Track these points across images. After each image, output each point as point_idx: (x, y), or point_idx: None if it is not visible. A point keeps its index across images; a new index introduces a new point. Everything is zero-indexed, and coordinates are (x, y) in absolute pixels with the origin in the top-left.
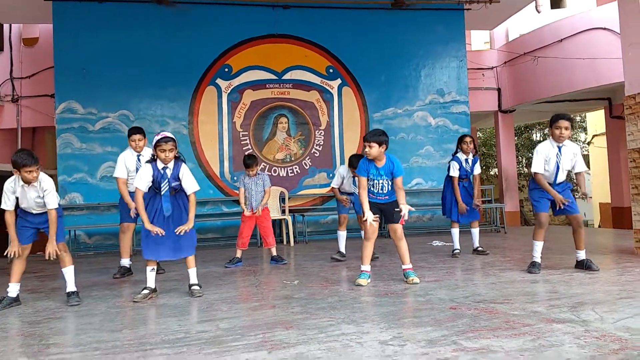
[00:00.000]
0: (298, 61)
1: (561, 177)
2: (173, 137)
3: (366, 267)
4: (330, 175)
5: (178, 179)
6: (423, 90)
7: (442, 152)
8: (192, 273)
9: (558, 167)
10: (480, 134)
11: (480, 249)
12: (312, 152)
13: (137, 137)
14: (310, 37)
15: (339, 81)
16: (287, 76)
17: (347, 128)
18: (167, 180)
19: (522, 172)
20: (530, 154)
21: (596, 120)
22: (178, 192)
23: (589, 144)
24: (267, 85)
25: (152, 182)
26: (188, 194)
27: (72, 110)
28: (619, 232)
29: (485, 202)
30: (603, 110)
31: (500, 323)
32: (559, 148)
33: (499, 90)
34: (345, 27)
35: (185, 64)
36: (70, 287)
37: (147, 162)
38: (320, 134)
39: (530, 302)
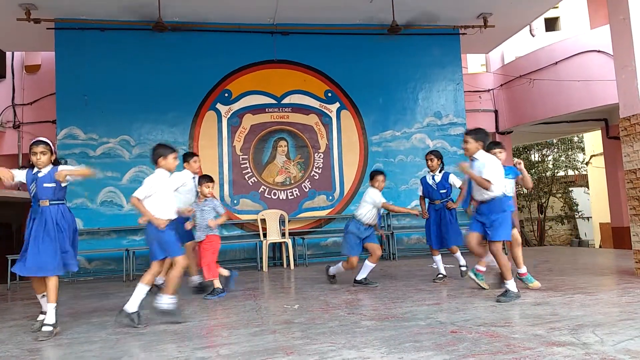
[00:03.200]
0: (297, 86)
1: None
2: (46, 140)
3: (482, 267)
4: (330, 197)
5: (53, 182)
6: (421, 113)
7: None
8: (50, 309)
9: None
10: None
11: (462, 268)
12: (311, 174)
13: (192, 159)
14: (309, 63)
15: (337, 105)
16: (286, 100)
17: (346, 151)
18: (35, 182)
19: (522, 192)
20: (529, 174)
21: (594, 140)
22: (55, 204)
23: (587, 164)
24: (266, 110)
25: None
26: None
27: (73, 136)
28: (619, 252)
29: None
30: (600, 131)
31: (501, 347)
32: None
33: (496, 112)
34: (343, 52)
35: (185, 90)
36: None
37: (25, 167)
38: (319, 157)
39: (530, 325)
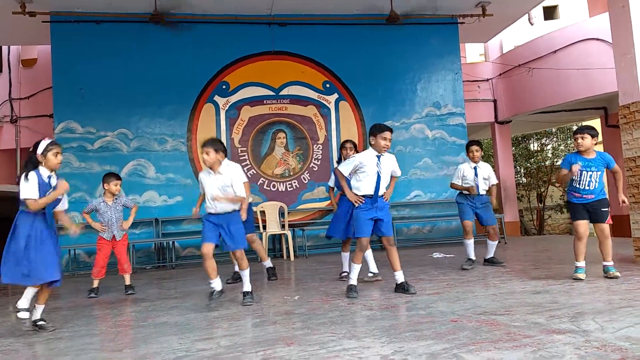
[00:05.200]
0: (295, 77)
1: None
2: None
3: (581, 263)
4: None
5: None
6: (419, 103)
7: (440, 164)
8: (41, 309)
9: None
10: None
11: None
12: (310, 166)
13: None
14: (307, 54)
15: (335, 96)
16: (284, 92)
17: None
18: (53, 189)
19: (521, 182)
20: (528, 164)
21: None
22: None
23: None
24: (264, 101)
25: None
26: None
27: (70, 130)
28: (619, 240)
29: None
30: (599, 120)
31: (501, 335)
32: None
33: (494, 101)
34: (341, 43)
35: (183, 82)
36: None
37: (30, 170)
38: (318, 149)
39: (530, 313)
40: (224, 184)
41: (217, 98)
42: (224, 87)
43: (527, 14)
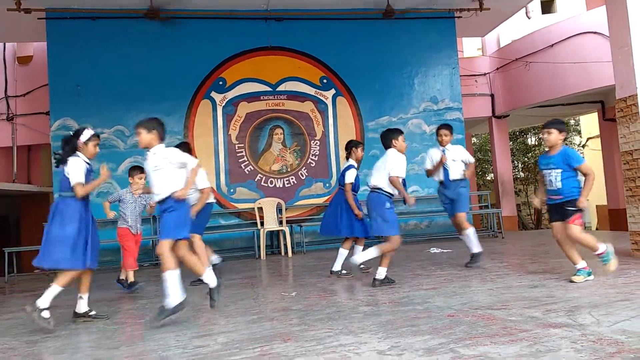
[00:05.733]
0: (292, 72)
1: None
2: None
3: (580, 264)
4: (327, 184)
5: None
6: (417, 98)
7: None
8: (85, 299)
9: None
10: (475, 140)
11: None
12: (308, 162)
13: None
14: (304, 49)
15: (333, 91)
16: (281, 87)
17: (342, 137)
18: (92, 174)
19: (518, 176)
20: (525, 158)
21: (590, 123)
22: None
23: (583, 146)
24: (261, 97)
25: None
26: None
27: (67, 127)
28: (616, 234)
29: (482, 207)
30: (596, 113)
31: (498, 329)
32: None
33: (492, 96)
34: (338, 38)
35: (179, 78)
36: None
37: (71, 155)
38: (315, 144)
39: (527, 307)
40: (155, 165)
41: (213, 94)
42: (220, 83)
43: (524, 8)
